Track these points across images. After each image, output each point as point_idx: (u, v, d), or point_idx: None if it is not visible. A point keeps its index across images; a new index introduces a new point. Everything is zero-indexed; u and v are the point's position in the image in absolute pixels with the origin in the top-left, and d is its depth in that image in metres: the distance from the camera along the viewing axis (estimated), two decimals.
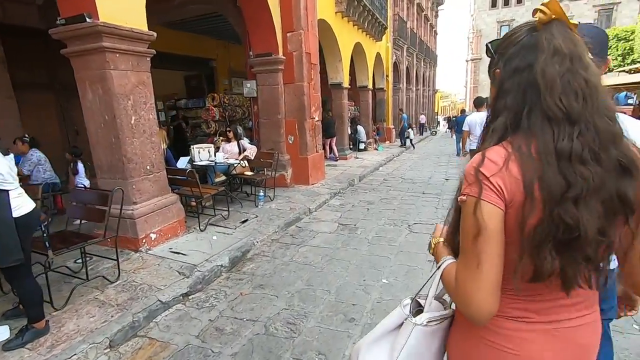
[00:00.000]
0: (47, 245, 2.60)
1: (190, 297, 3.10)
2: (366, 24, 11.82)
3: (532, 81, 0.77)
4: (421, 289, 0.99)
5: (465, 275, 0.78)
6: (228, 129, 6.45)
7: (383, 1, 13.40)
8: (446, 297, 0.95)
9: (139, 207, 3.76)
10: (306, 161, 6.98)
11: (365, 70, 13.45)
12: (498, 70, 0.87)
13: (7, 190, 2.19)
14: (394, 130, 17.65)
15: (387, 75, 16.47)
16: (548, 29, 0.78)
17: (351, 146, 13.58)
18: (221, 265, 3.57)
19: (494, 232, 0.74)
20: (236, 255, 3.83)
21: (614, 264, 0.84)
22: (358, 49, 12.63)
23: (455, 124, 14.85)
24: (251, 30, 6.50)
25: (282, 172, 6.85)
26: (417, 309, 0.98)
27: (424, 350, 0.92)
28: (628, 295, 1.24)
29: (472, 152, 3.51)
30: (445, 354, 0.98)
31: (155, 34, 3.81)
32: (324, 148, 9.38)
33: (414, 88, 22.94)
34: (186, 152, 6.14)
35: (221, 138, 6.71)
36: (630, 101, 16.29)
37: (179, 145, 7.85)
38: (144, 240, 3.78)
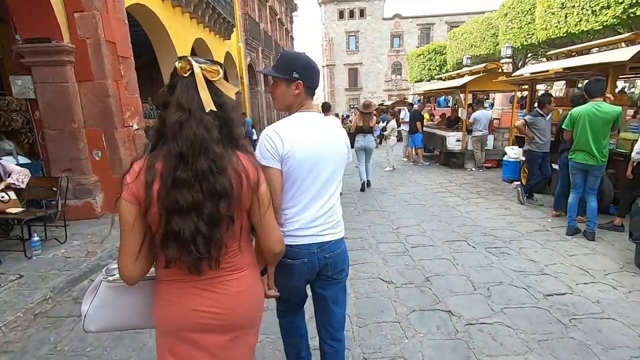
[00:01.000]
0: None
1: None
2: (207, 18, 10.53)
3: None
4: None
5: (119, 250, 1.09)
6: None
7: None
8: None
9: None
10: None
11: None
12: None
13: None
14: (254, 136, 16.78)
15: (241, 77, 15.48)
16: (183, 81, 1.10)
17: None
18: None
19: (127, 220, 1.05)
20: None
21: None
22: (201, 46, 11.24)
23: None
24: (12, 4, 4.54)
25: (87, 200, 5.09)
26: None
27: (110, 301, 1.26)
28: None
29: None
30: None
31: None
32: None
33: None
34: None
35: None
36: (449, 104, 19.37)
37: None
38: None
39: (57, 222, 4.34)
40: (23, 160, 4.96)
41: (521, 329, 2.49)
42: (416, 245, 4.12)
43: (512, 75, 6.69)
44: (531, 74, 5.92)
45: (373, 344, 2.41)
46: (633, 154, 4.00)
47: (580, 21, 10.71)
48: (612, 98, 4.64)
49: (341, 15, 38.62)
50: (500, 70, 9.01)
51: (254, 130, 14.62)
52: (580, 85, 7.36)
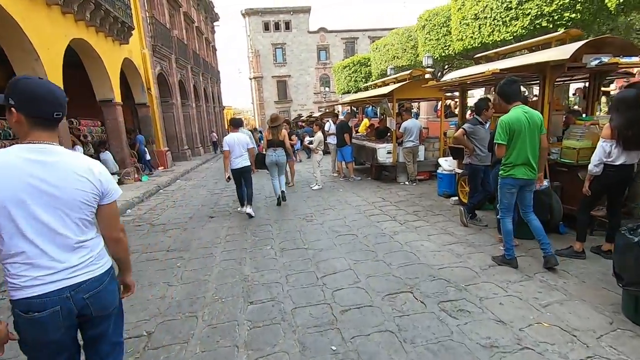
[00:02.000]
0: None
1: None
2: (88, 16, 8.51)
3: None
4: None
5: None
6: None
7: None
8: None
9: None
10: None
11: (105, 79, 9.99)
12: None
13: None
14: (168, 153, 14.62)
15: (148, 88, 13.35)
16: None
17: None
18: None
19: None
20: None
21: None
22: (85, 50, 9.12)
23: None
24: None
25: None
26: None
27: None
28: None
29: None
30: None
31: None
32: None
33: (194, 104, 20.50)
34: None
35: None
36: (378, 114, 19.14)
37: None
38: None
39: None
40: None
41: None
42: (348, 308, 2.91)
43: (441, 80, 6.04)
44: (461, 77, 5.24)
45: None
46: (590, 167, 3.31)
47: (493, 32, 10.88)
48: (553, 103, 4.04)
49: (266, 27, 37.60)
50: (426, 77, 8.50)
51: (146, 148, 12.47)
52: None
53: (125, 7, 10.42)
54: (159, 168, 13.63)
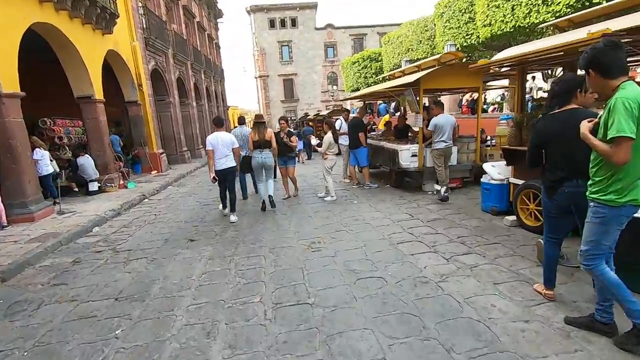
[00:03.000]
0: None
1: None
2: None
3: None
4: None
5: None
6: None
7: None
8: None
9: None
10: None
11: (82, 72, 8.64)
12: None
13: None
14: (162, 155, 13.27)
15: (139, 85, 12.01)
16: None
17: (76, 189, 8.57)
18: None
19: None
20: None
21: None
22: (55, 38, 7.78)
23: None
24: None
25: None
26: None
27: None
28: None
29: None
30: None
31: None
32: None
33: (194, 103, 19.17)
34: None
35: None
36: (391, 109, 17.56)
37: None
38: None
39: None
40: None
41: None
42: None
43: (494, 60, 4.46)
44: (536, 50, 3.67)
45: None
46: None
47: (530, 12, 9.27)
48: None
49: (272, 24, 36.20)
50: (463, 61, 6.94)
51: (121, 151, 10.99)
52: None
53: None
54: (152, 172, 12.29)
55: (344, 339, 2.39)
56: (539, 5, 8.97)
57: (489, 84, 7.09)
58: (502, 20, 10.11)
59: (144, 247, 4.80)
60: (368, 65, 22.48)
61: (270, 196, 6.06)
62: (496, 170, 4.86)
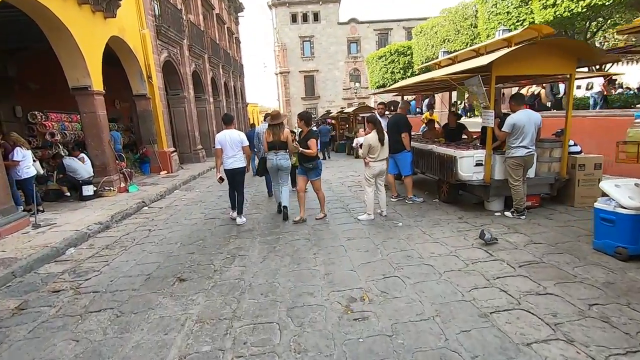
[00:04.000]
0: None
1: None
2: None
3: None
4: None
5: None
6: None
7: None
8: None
9: None
10: None
11: (77, 59, 7.46)
12: None
13: None
14: (173, 155, 12.08)
15: (148, 77, 10.84)
16: None
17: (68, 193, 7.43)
18: None
19: None
20: None
21: None
22: (43, 17, 6.60)
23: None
24: None
25: None
26: None
27: None
28: None
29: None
30: None
31: None
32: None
33: (211, 99, 18.01)
34: None
35: None
36: (422, 109, 15.83)
37: None
38: None
39: None
40: None
41: None
42: None
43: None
44: None
45: None
46: None
47: None
48: None
49: (294, 19, 34.82)
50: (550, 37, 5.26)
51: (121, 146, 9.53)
52: None
53: None
54: (161, 173, 11.13)
55: None
56: None
57: (580, 70, 5.36)
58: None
59: (117, 287, 3.44)
60: (396, 60, 20.74)
61: (284, 207, 5.35)
62: (625, 193, 3.22)
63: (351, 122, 15.03)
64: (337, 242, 4.24)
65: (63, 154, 7.53)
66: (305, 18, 34.82)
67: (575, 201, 4.96)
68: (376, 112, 7.10)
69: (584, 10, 8.09)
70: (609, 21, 9.17)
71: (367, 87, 34.31)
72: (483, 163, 4.81)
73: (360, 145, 5.07)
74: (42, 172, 6.78)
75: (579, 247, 3.60)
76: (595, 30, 9.78)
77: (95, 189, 7.51)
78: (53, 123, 7.65)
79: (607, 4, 7.60)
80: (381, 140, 4.82)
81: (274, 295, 3.04)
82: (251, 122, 25.84)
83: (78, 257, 4.42)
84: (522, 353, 2.10)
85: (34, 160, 6.38)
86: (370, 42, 35.00)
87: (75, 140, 8.08)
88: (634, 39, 9.36)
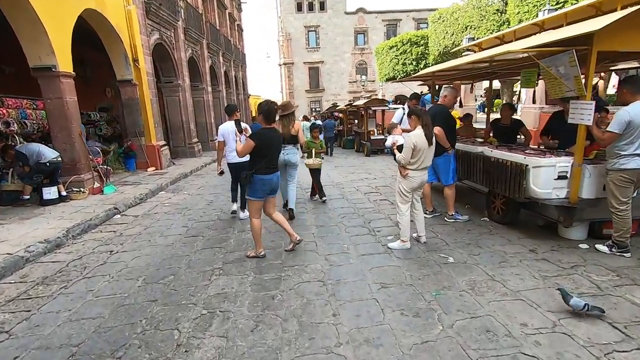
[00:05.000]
0: None
1: None
2: None
3: None
4: None
5: None
6: None
7: None
8: None
9: None
10: None
11: (38, 33, 6.03)
12: None
13: None
14: (164, 149, 10.68)
15: (135, 60, 9.40)
16: None
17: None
18: None
19: None
20: None
21: None
22: None
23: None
24: None
25: None
26: None
27: None
28: None
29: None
30: None
31: None
32: None
33: (210, 88, 16.54)
34: None
35: None
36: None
37: None
38: None
39: None
40: None
41: None
42: None
43: None
44: None
45: None
46: None
47: None
48: None
49: (299, 7, 33.09)
50: None
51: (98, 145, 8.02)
52: None
53: None
54: (149, 169, 9.76)
55: None
56: None
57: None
58: None
59: None
60: (408, 50, 19.16)
61: (291, 209, 4.95)
62: None
63: (361, 116, 13.58)
64: (365, 290, 2.86)
65: (13, 143, 6.13)
66: (311, 7, 33.09)
67: None
68: (404, 106, 5.69)
69: None
70: None
71: (373, 81, 32.73)
72: (568, 176, 3.39)
73: (398, 148, 3.61)
74: None
75: None
76: None
77: (60, 191, 6.13)
78: (9, 110, 6.26)
79: None
80: (429, 139, 3.42)
81: None
82: (253, 114, 24.41)
83: None
84: None
85: None
86: (378, 33, 33.27)
87: (39, 131, 6.69)
88: None
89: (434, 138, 3.51)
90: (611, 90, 9.74)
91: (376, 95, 17.89)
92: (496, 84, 14.45)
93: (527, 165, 3.53)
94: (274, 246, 3.96)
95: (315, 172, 5.74)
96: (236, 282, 3.13)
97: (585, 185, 3.37)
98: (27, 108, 6.70)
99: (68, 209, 5.77)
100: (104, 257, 3.96)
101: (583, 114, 3.17)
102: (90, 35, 8.55)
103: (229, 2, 22.28)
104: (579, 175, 3.34)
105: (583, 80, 3.14)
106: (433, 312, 2.49)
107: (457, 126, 5.87)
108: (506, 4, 11.42)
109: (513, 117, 4.86)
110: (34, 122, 6.73)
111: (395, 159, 3.68)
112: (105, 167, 7.45)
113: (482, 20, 12.54)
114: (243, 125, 3.78)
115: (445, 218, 4.51)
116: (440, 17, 15.02)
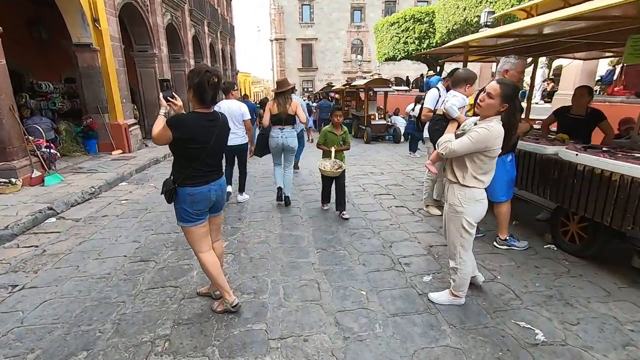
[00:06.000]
0: None
1: None
2: None
3: None
4: None
5: None
6: None
7: None
8: None
9: None
10: None
11: None
12: None
13: None
14: (133, 129, 9.04)
15: (95, 20, 7.61)
16: None
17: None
18: None
19: None
20: None
21: None
22: None
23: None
24: None
25: None
26: None
27: None
28: None
29: None
30: None
31: None
32: None
33: (192, 60, 14.66)
34: None
35: None
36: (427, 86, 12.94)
37: None
38: None
39: None
40: None
41: None
42: None
43: None
44: None
45: None
46: None
47: None
48: None
49: None
50: None
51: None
52: None
53: None
54: (114, 152, 8.18)
55: None
56: None
57: None
58: None
59: None
60: (411, 28, 17.48)
61: (287, 197, 4.49)
62: None
63: (360, 98, 12.10)
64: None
65: None
66: None
67: None
68: (439, 86, 4.32)
69: None
70: None
71: (369, 61, 30.90)
72: None
73: (457, 135, 2.18)
74: None
75: None
76: None
77: None
78: None
79: None
80: (510, 128, 2.08)
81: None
82: (242, 92, 22.51)
83: None
84: None
85: None
86: (375, 10, 31.15)
87: None
88: None
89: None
90: None
91: (379, 75, 16.27)
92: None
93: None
94: (257, 288, 2.62)
95: (331, 181, 4.12)
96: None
97: None
98: None
99: None
100: None
101: None
102: None
103: None
104: None
105: None
106: None
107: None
108: None
109: (590, 106, 3.51)
110: None
111: (438, 148, 2.25)
112: (50, 151, 5.85)
113: None
114: (171, 92, 2.18)
115: (495, 243, 3.24)
116: None
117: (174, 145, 2.00)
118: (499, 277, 2.71)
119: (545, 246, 3.23)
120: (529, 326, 2.12)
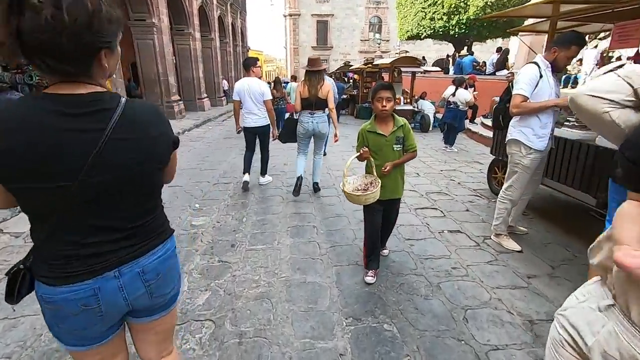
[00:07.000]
0: None
1: None
2: None
3: None
4: None
5: None
6: None
7: None
8: None
9: None
10: None
11: None
12: None
13: None
14: None
15: None
16: None
17: None
18: None
19: None
20: None
21: None
22: None
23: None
24: None
25: None
26: None
27: None
28: None
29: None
30: None
31: None
32: None
33: (198, 34, 13.21)
34: None
35: None
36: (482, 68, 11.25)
37: None
38: None
39: None
40: None
41: None
42: None
43: None
44: None
45: None
46: None
47: None
48: None
49: None
50: None
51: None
52: None
53: None
54: None
55: None
56: None
57: None
58: None
59: None
60: (439, 2, 15.56)
61: (315, 183, 4.19)
62: None
63: (379, 79, 10.59)
64: None
65: None
66: None
67: None
68: (537, 62, 2.93)
69: None
70: None
71: (388, 40, 28.79)
72: None
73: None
74: None
75: None
76: None
77: None
78: None
79: None
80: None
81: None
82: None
83: None
84: None
85: None
86: None
87: None
88: None
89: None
90: None
91: (406, 52, 14.59)
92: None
93: None
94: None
95: (378, 216, 2.36)
96: None
97: None
98: None
99: None
100: None
101: None
102: None
103: None
104: None
105: None
106: None
107: None
108: None
109: None
110: None
111: None
112: None
113: None
114: None
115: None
116: None
117: None
118: None
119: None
120: None
